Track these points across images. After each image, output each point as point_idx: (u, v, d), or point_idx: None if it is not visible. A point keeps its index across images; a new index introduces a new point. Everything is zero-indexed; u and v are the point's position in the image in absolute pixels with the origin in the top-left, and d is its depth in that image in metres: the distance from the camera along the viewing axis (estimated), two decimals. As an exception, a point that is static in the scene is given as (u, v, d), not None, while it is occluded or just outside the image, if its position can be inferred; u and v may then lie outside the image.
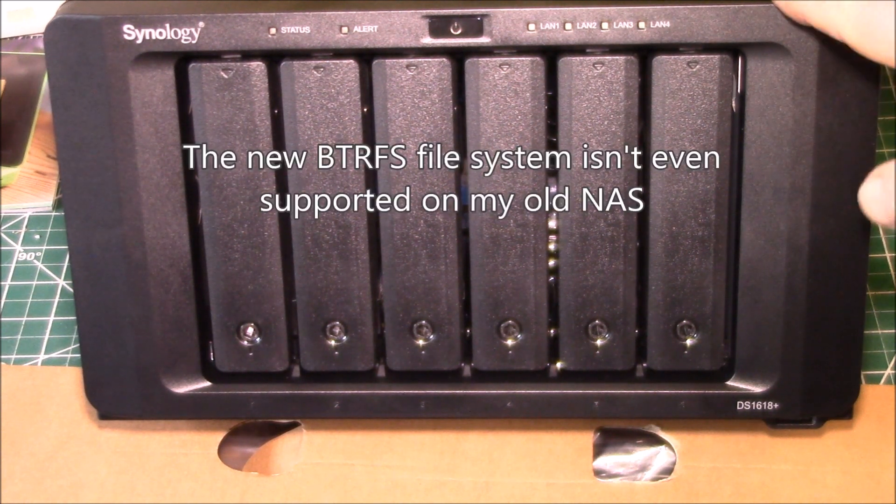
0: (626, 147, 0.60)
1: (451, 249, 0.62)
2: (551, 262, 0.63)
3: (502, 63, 0.59)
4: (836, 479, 0.65)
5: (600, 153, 0.60)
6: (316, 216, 0.61)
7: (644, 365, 0.64)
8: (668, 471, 0.67)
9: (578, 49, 0.59)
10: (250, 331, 0.63)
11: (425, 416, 0.64)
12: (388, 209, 0.61)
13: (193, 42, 0.58)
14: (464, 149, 0.61)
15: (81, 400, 0.70)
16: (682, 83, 0.59)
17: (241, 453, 0.69)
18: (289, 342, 0.64)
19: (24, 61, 0.91)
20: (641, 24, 0.57)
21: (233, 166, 0.61)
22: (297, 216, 0.62)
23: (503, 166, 0.60)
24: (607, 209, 0.61)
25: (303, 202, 0.61)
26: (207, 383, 0.64)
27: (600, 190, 0.60)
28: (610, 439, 0.69)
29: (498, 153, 0.60)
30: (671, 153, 0.60)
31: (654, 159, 0.60)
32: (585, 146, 0.60)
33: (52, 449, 0.68)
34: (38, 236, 0.80)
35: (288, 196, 0.61)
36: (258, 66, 0.59)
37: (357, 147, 0.60)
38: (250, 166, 0.61)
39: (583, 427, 0.68)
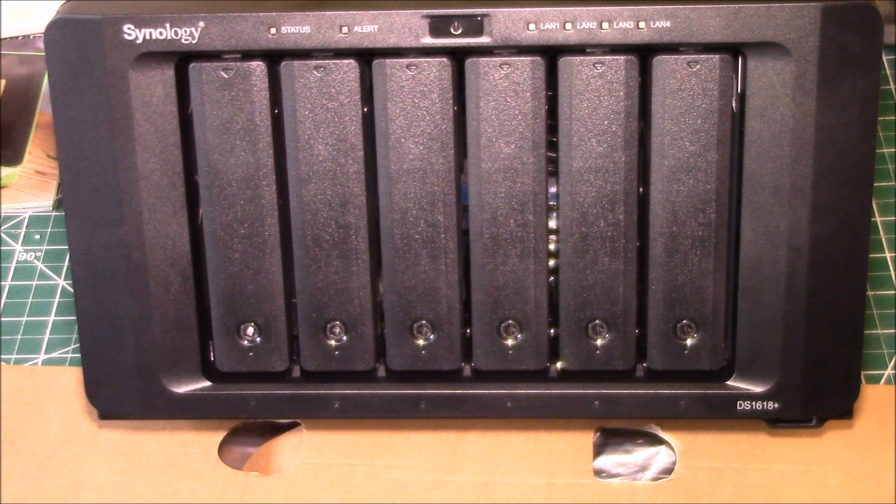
0: (626, 147, 0.60)
1: (451, 249, 0.62)
2: (551, 262, 0.63)
3: (502, 63, 0.59)
4: (836, 479, 0.65)
5: (600, 153, 0.60)
6: (316, 216, 0.61)
7: (644, 365, 0.64)
8: (668, 471, 0.67)
9: (578, 49, 0.59)
10: (250, 331, 0.63)
11: (425, 416, 0.64)
12: (388, 209, 0.61)
13: (193, 42, 0.58)
14: (464, 149, 0.61)
15: (81, 400, 0.69)
16: (682, 83, 0.59)
17: (241, 453, 0.69)
18: (289, 342, 0.64)
19: (24, 61, 0.91)
20: (641, 24, 0.57)
21: (233, 166, 0.61)
22: (297, 216, 0.62)
23: (503, 166, 0.60)
24: (607, 209, 0.61)
25: (303, 202, 0.61)
26: (207, 383, 0.64)
27: (600, 190, 0.60)
28: (610, 439, 0.69)
29: (498, 153, 0.60)
30: (671, 153, 0.60)
31: (654, 159, 0.60)
32: (585, 146, 0.60)
33: (52, 449, 0.68)
34: (38, 236, 0.80)
35: (288, 196, 0.61)
36: (258, 66, 0.59)
37: (357, 147, 0.60)
38: (250, 166, 0.61)
39: (583, 427, 0.68)
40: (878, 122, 0.59)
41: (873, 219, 0.75)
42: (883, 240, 0.76)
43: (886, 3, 0.85)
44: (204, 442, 0.68)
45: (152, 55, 0.59)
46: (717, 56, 0.58)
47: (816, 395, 0.62)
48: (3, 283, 0.77)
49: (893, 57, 0.86)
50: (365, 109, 0.60)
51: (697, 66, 0.59)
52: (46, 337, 0.74)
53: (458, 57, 0.59)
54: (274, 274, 0.62)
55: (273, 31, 0.58)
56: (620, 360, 0.63)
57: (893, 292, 0.73)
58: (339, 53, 0.59)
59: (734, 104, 0.60)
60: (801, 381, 0.62)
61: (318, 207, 0.61)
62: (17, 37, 0.93)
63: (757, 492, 0.65)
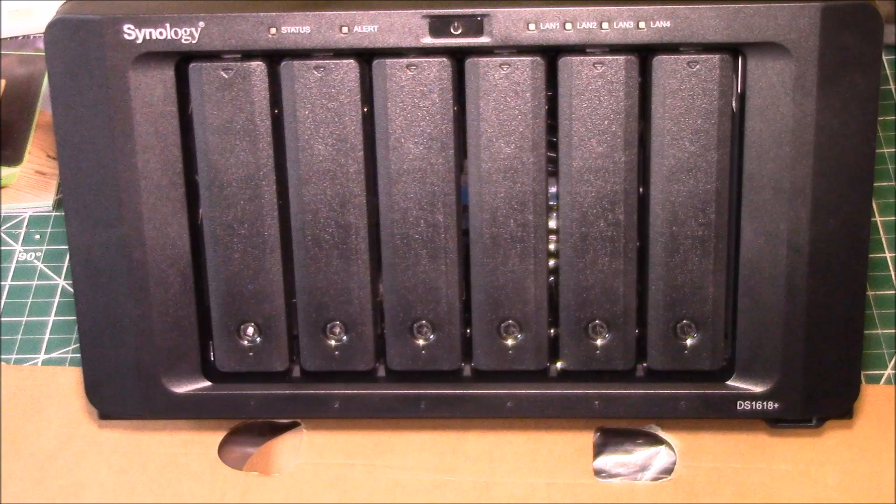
0: (626, 147, 0.60)
1: (451, 249, 0.62)
2: (551, 262, 0.63)
3: (502, 63, 0.59)
4: (836, 479, 0.65)
5: (600, 153, 0.60)
6: (316, 216, 0.61)
7: (644, 365, 0.64)
8: (668, 471, 0.67)
9: (578, 49, 0.59)
10: (250, 331, 0.63)
11: (425, 416, 0.64)
12: (388, 209, 0.61)
13: (193, 42, 0.58)
14: (464, 149, 0.61)
15: (81, 400, 0.69)
16: (682, 83, 0.59)
17: (241, 453, 0.69)
18: (289, 342, 0.64)
19: (24, 61, 0.91)
20: (641, 24, 0.57)
21: (233, 166, 0.61)
22: (297, 216, 0.62)
23: (503, 166, 0.60)
24: (607, 209, 0.61)
25: (303, 202, 0.61)
26: (207, 383, 0.64)
27: (600, 190, 0.60)
28: (610, 439, 0.69)
29: (498, 153, 0.60)
30: (671, 153, 0.60)
31: (654, 159, 0.60)
32: (585, 146, 0.60)
33: (52, 449, 0.68)
34: (38, 236, 0.80)
35: (288, 196, 0.61)
36: (258, 66, 0.59)
37: (357, 147, 0.60)
38: (250, 166, 0.61)
39: (583, 427, 0.68)
40: (878, 122, 0.59)
41: (873, 219, 0.75)
42: (883, 240, 0.76)
43: (886, 3, 0.85)
44: (204, 442, 0.68)
45: (152, 55, 0.59)
46: (717, 56, 0.58)
47: (816, 395, 0.62)
48: (3, 283, 0.77)
49: (893, 57, 0.86)
50: (365, 109, 0.60)
51: (697, 66, 0.59)
52: (46, 337, 0.74)
53: (458, 57, 0.59)
54: (274, 274, 0.62)
55: (273, 31, 0.58)
56: (620, 360, 0.63)
57: (893, 292, 0.73)
58: (339, 53, 0.59)
59: (734, 104, 0.60)
60: (801, 381, 0.62)
61: (318, 207, 0.61)
62: (17, 37, 0.93)
63: (757, 492, 0.65)
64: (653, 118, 0.60)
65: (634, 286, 0.62)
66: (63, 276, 0.78)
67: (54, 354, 0.73)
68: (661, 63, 0.59)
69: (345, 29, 0.58)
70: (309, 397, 0.64)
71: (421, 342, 0.63)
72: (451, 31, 0.58)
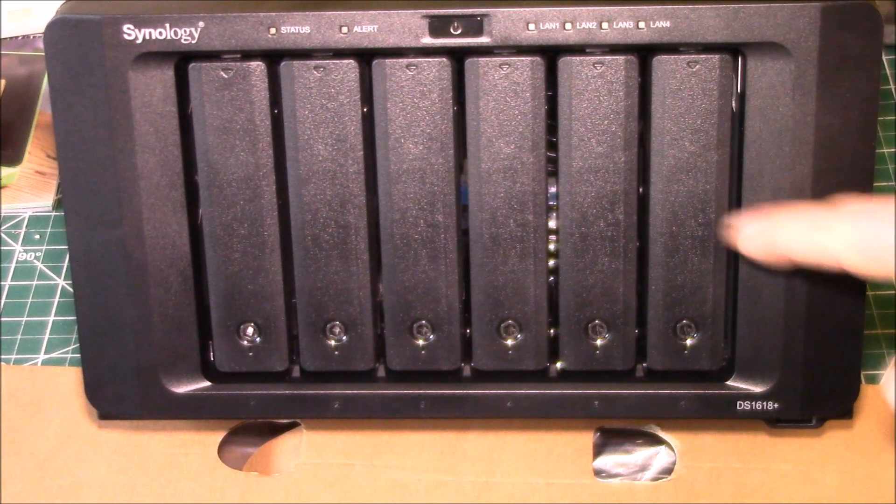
0: (626, 147, 0.60)
1: (451, 249, 0.62)
2: (551, 262, 0.63)
3: (502, 63, 0.59)
4: (836, 479, 0.65)
5: (600, 153, 0.60)
6: (316, 216, 0.61)
7: (644, 365, 0.64)
8: (668, 471, 0.67)
9: (578, 49, 0.59)
10: (250, 331, 0.63)
11: (425, 416, 0.64)
12: (388, 209, 0.61)
13: (193, 42, 0.58)
14: (464, 149, 0.61)
15: (81, 400, 0.70)
16: (682, 83, 0.59)
17: (241, 453, 0.69)
18: (289, 342, 0.64)
19: (24, 61, 0.91)
20: (641, 24, 0.57)
21: (233, 166, 0.61)
22: (297, 216, 0.62)
23: (503, 166, 0.60)
24: (607, 209, 0.61)
25: (303, 202, 0.61)
26: (207, 383, 0.64)
27: (600, 190, 0.60)
28: (610, 439, 0.69)
29: (498, 153, 0.60)
30: (671, 153, 0.60)
31: (654, 159, 0.60)
32: (585, 146, 0.60)
33: (52, 449, 0.68)
34: (38, 236, 0.80)
35: (288, 196, 0.61)
36: (258, 66, 0.59)
37: (357, 147, 0.60)
38: (250, 166, 0.61)
39: (583, 427, 0.68)
40: (878, 122, 0.59)
41: (873, 219, 0.75)
42: (883, 240, 0.76)
43: (886, 3, 0.85)
44: (204, 442, 0.68)
45: (152, 55, 0.59)
46: (717, 56, 0.58)
47: (816, 395, 0.62)
48: (3, 283, 0.77)
49: (893, 57, 0.86)
50: (365, 109, 0.60)
51: (697, 66, 0.59)
52: (46, 337, 0.74)
53: (457, 57, 0.59)
54: (274, 274, 0.62)
55: (273, 31, 0.58)
56: (620, 360, 0.63)
57: (893, 292, 0.73)
58: (339, 53, 0.59)
59: (734, 104, 0.60)
60: (801, 381, 0.62)
61: (317, 207, 0.61)
62: (17, 37, 0.93)
63: (757, 492, 0.65)
64: (653, 118, 0.60)
65: (634, 286, 0.62)
66: (63, 276, 0.78)
67: (54, 354, 0.73)
68: (661, 63, 0.59)
69: (344, 29, 0.58)
70: (309, 397, 0.64)
71: (421, 342, 0.63)
72: (451, 31, 0.58)
